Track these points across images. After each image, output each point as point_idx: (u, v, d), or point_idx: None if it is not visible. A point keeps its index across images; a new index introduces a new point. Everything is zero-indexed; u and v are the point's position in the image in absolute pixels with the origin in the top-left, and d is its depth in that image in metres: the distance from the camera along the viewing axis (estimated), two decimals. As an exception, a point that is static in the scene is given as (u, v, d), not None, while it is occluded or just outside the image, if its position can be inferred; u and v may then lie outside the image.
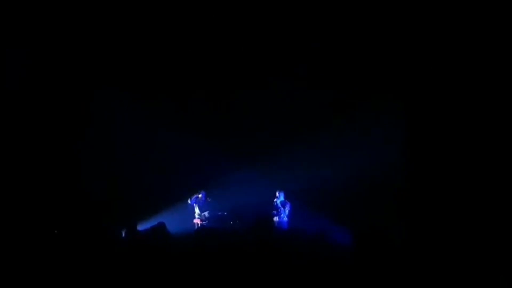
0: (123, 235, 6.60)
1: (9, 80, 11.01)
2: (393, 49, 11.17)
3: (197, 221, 12.32)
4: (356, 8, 10.82)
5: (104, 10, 10.92)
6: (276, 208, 11.81)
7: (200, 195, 12.43)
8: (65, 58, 11.78)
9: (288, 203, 11.88)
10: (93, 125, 12.68)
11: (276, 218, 11.49)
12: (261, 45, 11.84)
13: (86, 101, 12.51)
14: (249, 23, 11.35)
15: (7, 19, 10.56)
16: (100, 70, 12.19)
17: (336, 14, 11.03)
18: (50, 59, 11.64)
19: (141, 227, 7.37)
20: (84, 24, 11.18)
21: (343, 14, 10.98)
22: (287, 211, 11.77)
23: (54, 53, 11.61)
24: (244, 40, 11.78)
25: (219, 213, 12.36)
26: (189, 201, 12.38)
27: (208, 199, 12.41)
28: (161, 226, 5.42)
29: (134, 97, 12.42)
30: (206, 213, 12.26)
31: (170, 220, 6.76)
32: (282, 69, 12.13)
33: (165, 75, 12.51)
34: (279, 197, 11.90)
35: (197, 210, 12.37)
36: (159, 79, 12.59)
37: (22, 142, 11.34)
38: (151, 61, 12.27)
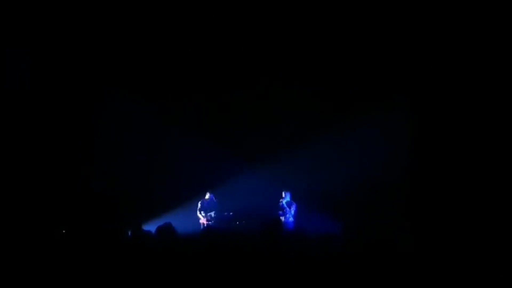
0: (129, 235, 6.60)
1: (16, 81, 11.05)
2: (397, 49, 11.16)
3: (203, 221, 12.31)
4: (363, 7, 10.80)
5: (111, 13, 10.96)
6: (282, 208, 11.79)
7: (207, 196, 12.42)
8: (72, 59, 11.82)
9: (294, 203, 11.85)
10: (99, 126, 12.73)
11: (282, 219, 11.46)
12: (265, 47, 11.83)
13: (92, 101, 12.55)
14: (253, 24, 11.35)
15: (15, 21, 10.60)
16: (106, 71, 12.23)
17: (342, 14, 11.01)
18: (57, 61, 11.69)
19: (147, 227, 7.38)
20: (90, 27, 11.22)
21: (349, 13, 10.96)
22: (293, 212, 11.75)
23: (62, 55, 11.66)
24: (248, 42, 11.77)
25: (225, 213, 12.34)
26: (199, 205, 12.36)
27: (215, 200, 12.40)
28: (167, 226, 5.41)
29: (141, 98, 12.44)
30: (212, 213, 12.24)
31: (177, 220, 6.77)
32: (288, 70, 12.12)
33: (173, 76, 12.53)
34: (285, 198, 11.88)
35: (198, 211, 12.35)
36: (166, 81, 12.61)
37: (28, 142, 11.36)
38: (157, 63, 12.30)
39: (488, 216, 9.58)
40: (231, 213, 12.31)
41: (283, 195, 11.93)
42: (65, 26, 11.14)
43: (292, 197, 11.92)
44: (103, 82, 12.37)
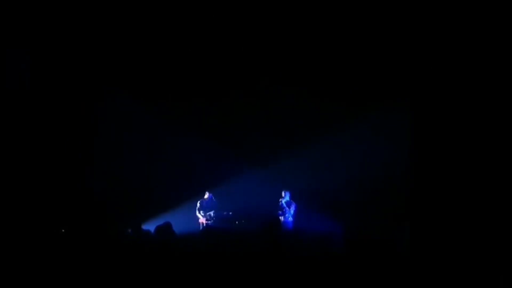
0: (128, 234, 6.62)
1: (16, 81, 11.05)
2: (398, 50, 11.13)
3: (202, 221, 12.32)
4: (364, 7, 10.77)
5: (111, 13, 10.95)
6: (281, 208, 11.79)
7: (206, 196, 12.43)
8: (72, 60, 11.81)
9: (294, 203, 11.85)
10: (99, 126, 12.73)
11: (281, 218, 11.47)
12: (265, 47, 11.81)
13: (92, 102, 12.55)
14: (254, 24, 11.33)
15: (15, 21, 10.59)
16: (106, 72, 12.22)
17: (343, 14, 10.99)
18: (57, 61, 11.69)
19: (147, 226, 7.39)
20: (90, 27, 11.20)
21: (350, 14, 10.94)
22: (292, 211, 11.75)
23: (62, 55, 11.66)
24: (248, 41, 11.75)
25: (224, 213, 12.34)
26: (198, 205, 12.37)
27: (214, 199, 12.40)
28: (167, 225, 5.42)
29: (140, 98, 12.44)
30: (211, 213, 12.25)
31: (176, 220, 6.77)
32: (288, 70, 12.11)
33: (172, 77, 12.52)
34: (285, 197, 11.88)
35: (198, 211, 12.36)
36: (166, 81, 12.60)
37: (29, 142, 11.36)
38: (156, 64, 12.28)
39: (488, 217, 9.57)
40: (230, 213, 12.30)
41: (283, 194, 11.93)
42: (65, 26, 11.13)
43: (291, 197, 11.92)
44: (104, 82, 12.36)
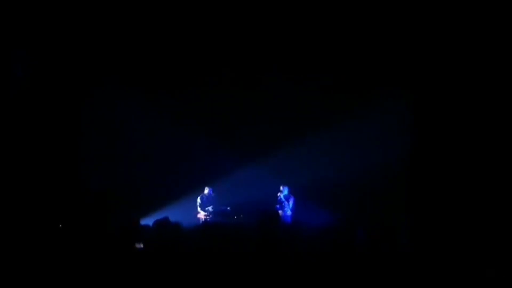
0: (126, 229, 6.58)
1: (11, 78, 10.99)
2: (399, 43, 11.11)
3: (201, 216, 12.32)
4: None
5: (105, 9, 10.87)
6: (280, 202, 11.80)
7: (206, 191, 12.43)
8: (65, 55, 11.75)
9: (292, 197, 11.87)
10: (96, 121, 12.71)
11: (280, 212, 11.48)
12: (261, 40, 11.77)
13: (89, 97, 12.52)
14: (251, 18, 11.29)
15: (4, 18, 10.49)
16: (101, 66, 12.17)
17: (338, 8, 10.95)
18: (49, 57, 11.62)
19: (145, 221, 7.36)
20: (83, 23, 11.13)
21: (345, 7, 10.90)
22: (290, 206, 11.77)
23: (54, 52, 11.59)
24: (243, 34, 11.71)
25: (223, 207, 12.35)
26: (198, 200, 12.36)
27: (213, 194, 12.41)
28: (165, 220, 5.39)
29: (138, 93, 12.41)
30: (210, 208, 12.25)
31: (175, 215, 6.76)
32: (286, 65, 12.07)
33: (169, 71, 12.48)
34: (283, 192, 11.89)
35: (199, 207, 12.36)
36: (163, 75, 12.56)
37: (25, 139, 11.32)
38: (154, 57, 12.24)
39: (488, 215, 9.57)
40: (228, 208, 12.31)
41: (281, 189, 11.94)
42: (54, 23, 11.03)
43: (290, 191, 11.93)
44: (101, 77, 12.33)
